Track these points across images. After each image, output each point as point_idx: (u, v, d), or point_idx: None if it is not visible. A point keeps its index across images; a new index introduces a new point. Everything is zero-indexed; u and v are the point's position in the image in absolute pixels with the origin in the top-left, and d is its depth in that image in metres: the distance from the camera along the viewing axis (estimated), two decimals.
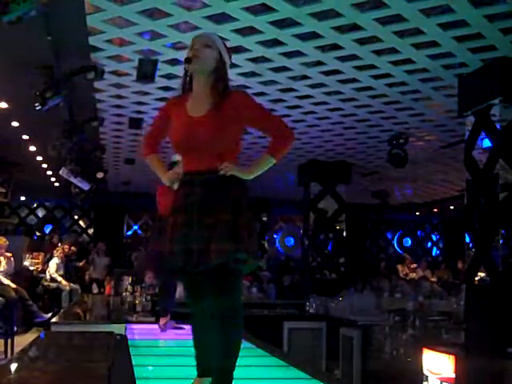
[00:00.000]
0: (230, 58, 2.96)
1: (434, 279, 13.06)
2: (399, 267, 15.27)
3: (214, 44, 2.87)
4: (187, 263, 2.69)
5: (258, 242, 2.80)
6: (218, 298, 2.68)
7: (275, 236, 17.97)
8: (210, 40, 2.88)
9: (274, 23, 5.37)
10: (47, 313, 9.93)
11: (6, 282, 8.68)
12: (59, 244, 13.20)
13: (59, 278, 11.26)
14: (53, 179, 12.80)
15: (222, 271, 2.65)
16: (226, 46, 2.94)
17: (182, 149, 2.86)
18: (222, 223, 2.64)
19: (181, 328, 5.80)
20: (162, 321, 5.72)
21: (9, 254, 9.27)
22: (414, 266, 14.77)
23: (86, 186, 9.97)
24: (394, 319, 7.30)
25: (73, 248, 13.31)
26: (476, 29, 5.40)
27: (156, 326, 5.78)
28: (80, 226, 17.86)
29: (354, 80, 6.87)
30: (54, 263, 11.40)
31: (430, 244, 20.15)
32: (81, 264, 13.51)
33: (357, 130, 9.06)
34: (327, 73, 6.65)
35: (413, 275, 14.28)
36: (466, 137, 6.50)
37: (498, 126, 6.07)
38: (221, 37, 3.00)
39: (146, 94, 7.45)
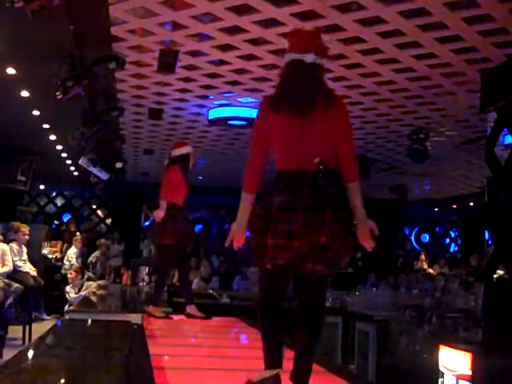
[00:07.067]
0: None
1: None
2: (416, 263, 15.19)
3: None
4: None
5: None
6: None
7: None
8: None
9: (296, 15, 5.34)
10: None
11: (26, 269, 8.73)
12: (77, 233, 13.28)
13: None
14: (72, 168, 12.87)
15: None
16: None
17: None
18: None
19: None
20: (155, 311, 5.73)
21: None
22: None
23: (104, 176, 10.02)
24: (411, 315, 7.26)
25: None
26: (500, 23, 5.33)
27: (174, 316, 5.79)
28: (98, 215, 17.93)
29: (375, 74, 6.82)
30: (72, 252, 11.48)
31: (448, 240, 19.99)
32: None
33: (377, 125, 9.00)
34: (349, 66, 6.61)
35: (429, 270, 14.21)
36: (488, 133, 6.43)
37: None
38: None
39: (167, 84, 7.46)
